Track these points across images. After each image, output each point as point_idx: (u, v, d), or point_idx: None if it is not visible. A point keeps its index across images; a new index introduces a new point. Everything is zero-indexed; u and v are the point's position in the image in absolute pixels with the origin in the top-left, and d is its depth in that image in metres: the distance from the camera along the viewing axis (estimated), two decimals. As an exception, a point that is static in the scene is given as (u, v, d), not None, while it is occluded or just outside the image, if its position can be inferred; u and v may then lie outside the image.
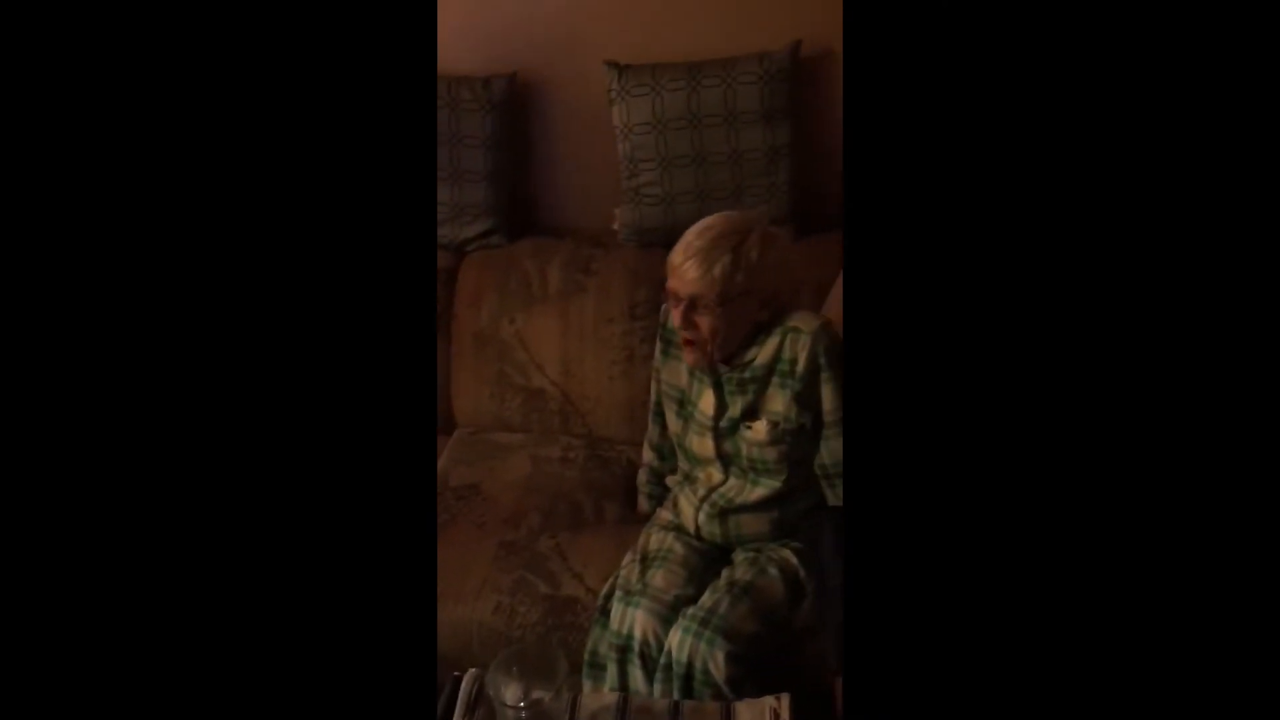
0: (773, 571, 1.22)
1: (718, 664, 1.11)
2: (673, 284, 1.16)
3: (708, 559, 1.29)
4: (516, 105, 1.76)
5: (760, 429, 1.18)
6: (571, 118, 1.79)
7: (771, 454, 1.20)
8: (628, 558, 1.31)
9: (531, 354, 1.75)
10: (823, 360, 1.15)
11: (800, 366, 1.15)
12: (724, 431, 1.23)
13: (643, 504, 1.48)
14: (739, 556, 1.29)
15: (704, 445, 1.26)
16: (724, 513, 1.26)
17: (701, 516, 1.28)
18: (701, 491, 1.28)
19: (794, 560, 1.24)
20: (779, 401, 1.18)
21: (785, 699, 0.90)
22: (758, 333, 1.19)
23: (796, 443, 1.20)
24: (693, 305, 1.14)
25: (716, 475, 1.27)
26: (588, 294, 1.73)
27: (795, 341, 1.16)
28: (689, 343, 1.17)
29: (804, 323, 1.18)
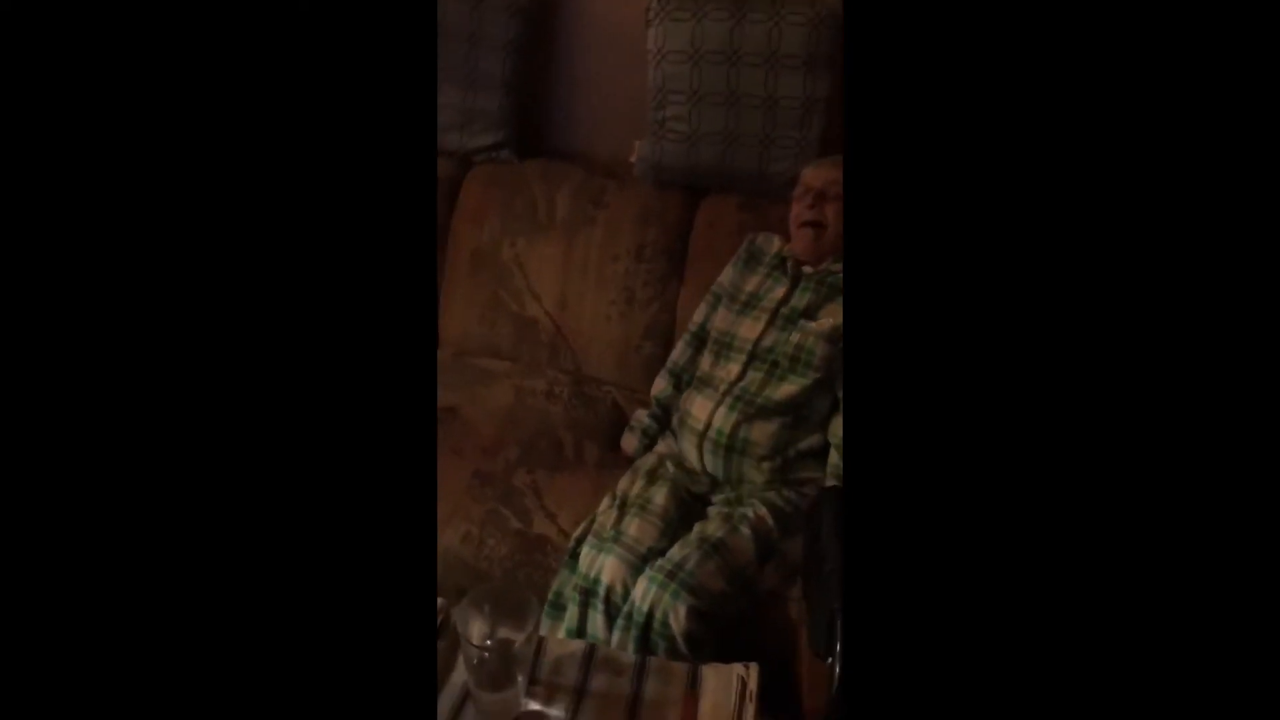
0: (744, 530, 1.21)
1: (679, 617, 1.10)
2: (809, 180, 1.37)
3: (685, 510, 1.27)
4: (546, 9, 1.64)
5: (824, 324, 1.29)
6: (603, 32, 1.67)
7: (821, 348, 1.28)
8: (605, 503, 1.29)
9: (529, 281, 1.67)
10: None
11: None
12: (780, 318, 1.33)
13: (629, 443, 1.46)
14: (714, 510, 1.27)
15: (753, 328, 1.34)
16: (738, 423, 1.28)
17: (717, 418, 1.30)
18: (722, 387, 1.32)
19: (768, 520, 1.22)
20: (842, 313, 1.29)
21: (754, 669, 0.87)
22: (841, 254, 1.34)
23: (840, 354, 1.28)
24: (822, 195, 1.34)
25: (736, 371, 1.32)
26: (595, 227, 1.65)
27: None
28: (811, 226, 1.34)
29: None
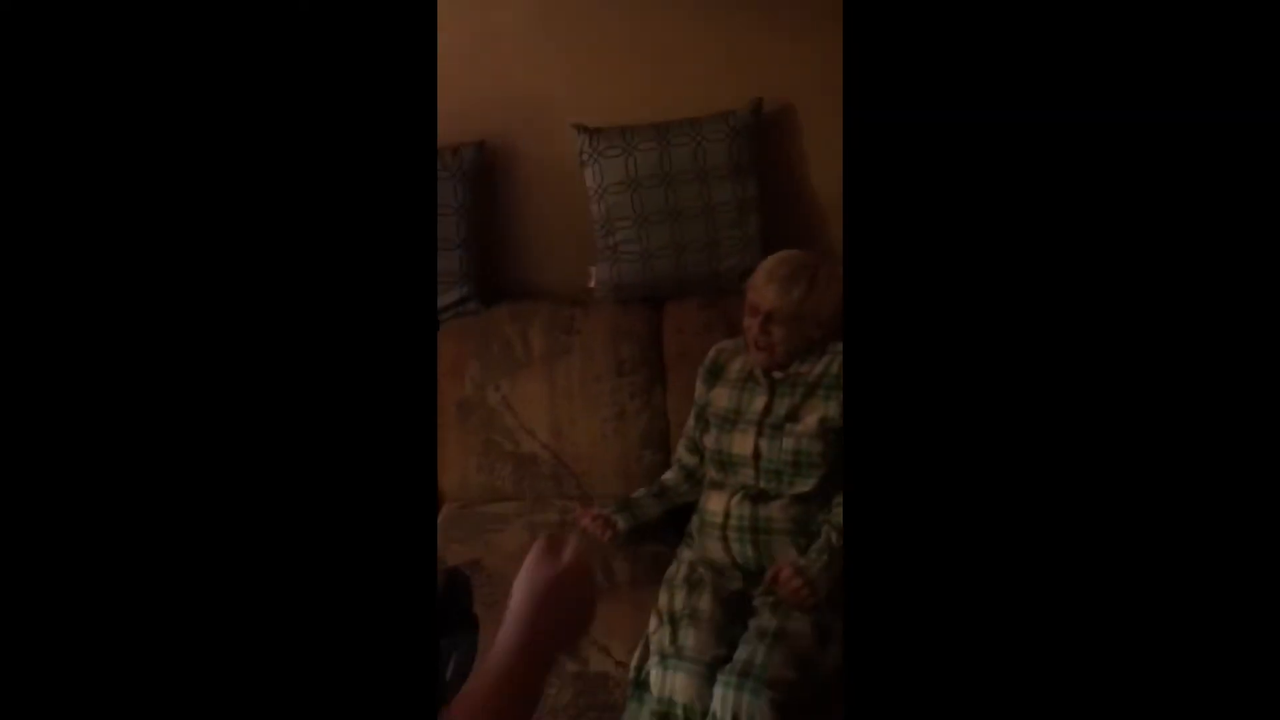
0: (798, 615, 1.23)
1: (764, 713, 1.10)
2: (754, 299, 1.38)
3: (732, 612, 1.29)
4: (485, 172, 1.76)
5: (810, 423, 1.32)
6: (539, 181, 1.80)
7: (816, 447, 1.31)
8: (653, 623, 1.29)
9: (520, 419, 1.72)
10: None
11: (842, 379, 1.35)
12: (768, 429, 1.35)
13: (620, 524, 1.45)
14: (760, 603, 1.29)
15: (744, 443, 1.36)
16: (756, 505, 1.32)
17: (734, 505, 1.33)
18: (734, 486, 1.36)
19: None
20: (825, 407, 1.34)
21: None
22: (809, 350, 1.38)
23: (837, 442, 1.32)
24: (769, 318, 1.35)
25: (747, 476, 1.35)
26: (573, 354, 1.72)
27: (839, 361, 1.37)
28: (761, 349, 1.37)
29: None
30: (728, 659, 1.19)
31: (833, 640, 1.23)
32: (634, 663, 1.26)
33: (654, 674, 1.21)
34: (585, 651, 1.32)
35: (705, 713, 1.15)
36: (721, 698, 1.13)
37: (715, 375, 1.47)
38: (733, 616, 1.28)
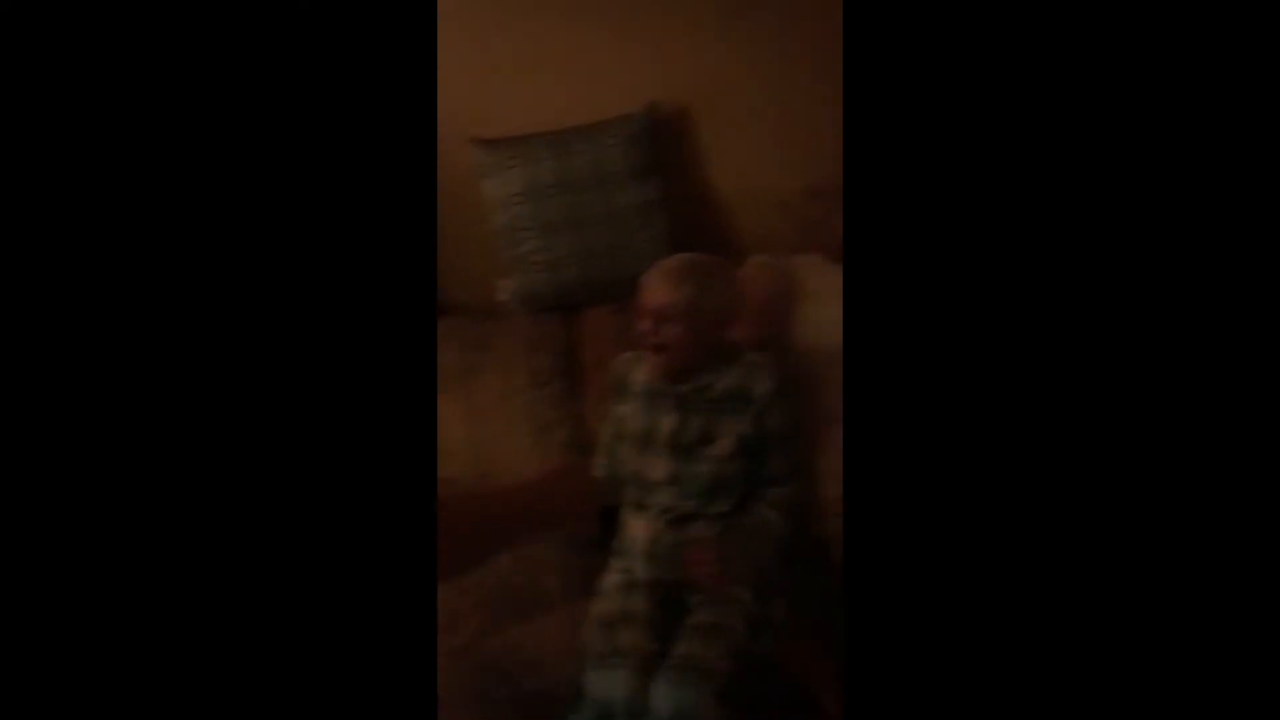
0: (730, 609, 1.23)
1: (707, 707, 1.09)
2: (645, 298, 1.29)
3: (667, 611, 1.27)
4: (381, 190, 1.71)
5: (725, 445, 1.26)
6: (441, 196, 1.76)
7: (733, 468, 1.27)
8: (589, 632, 1.26)
9: (439, 442, 1.66)
10: (772, 385, 1.30)
11: (757, 392, 1.29)
12: (681, 451, 1.29)
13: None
14: (695, 600, 1.28)
15: (659, 467, 1.29)
16: (677, 531, 1.27)
17: (657, 539, 1.29)
18: (655, 510, 1.30)
19: (745, 595, 1.25)
20: (738, 424, 1.28)
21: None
22: (718, 363, 1.31)
23: (758, 454, 1.29)
24: (661, 316, 1.27)
25: (667, 498, 1.30)
26: (486, 371, 1.68)
27: (752, 372, 1.31)
28: (657, 349, 1.29)
29: (760, 357, 1.33)
30: (664, 656, 1.17)
31: (765, 630, 1.23)
32: (570, 673, 1.22)
33: (591, 677, 1.18)
34: (517, 672, 1.28)
35: (644, 711, 1.12)
36: (663, 694, 1.11)
37: (622, 390, 1.39)
38: (668, 615, 1.26)
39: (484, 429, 1.66)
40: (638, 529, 1.32)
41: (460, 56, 1.69)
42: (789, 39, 1.66)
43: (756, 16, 1.65)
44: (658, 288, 1.29)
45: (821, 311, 1.44)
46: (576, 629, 1.29)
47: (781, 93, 1.70)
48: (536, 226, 1.68)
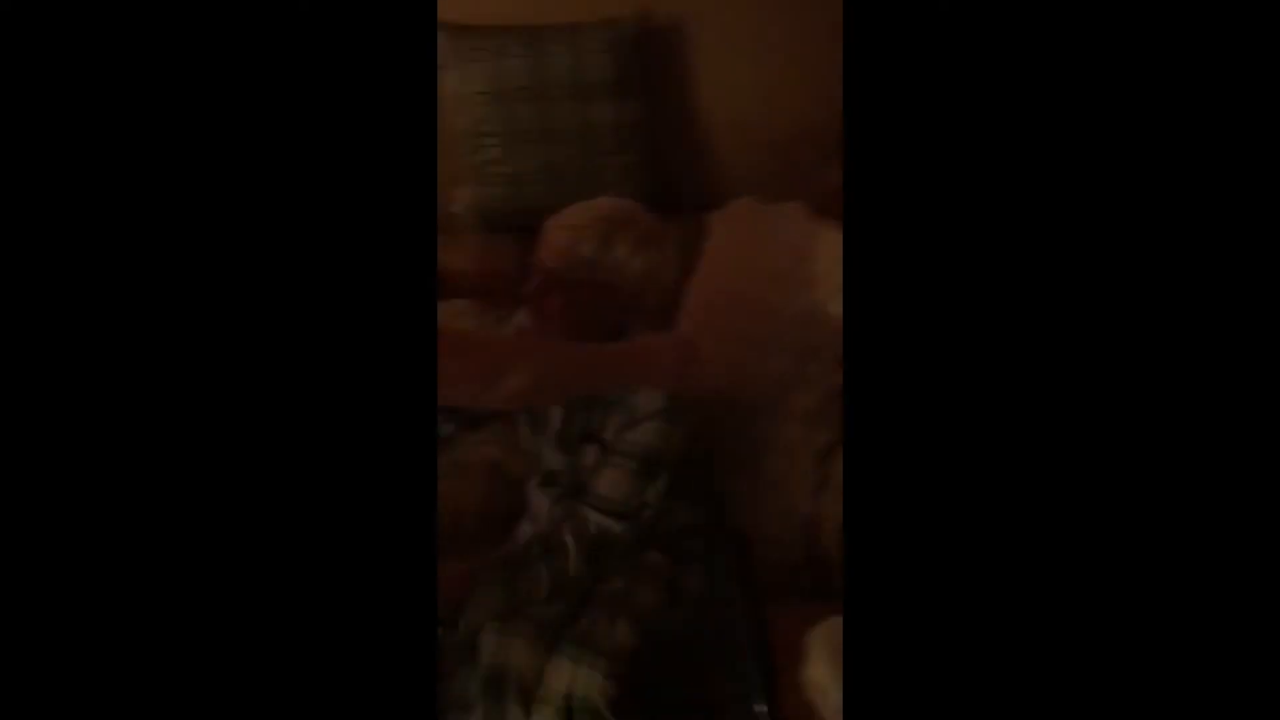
0: (646, 577, 1.14)
1: (600, 689, 1.01)
2: (538, 250, 1.07)
3: (592, 565, 1.18)
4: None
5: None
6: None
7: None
8: (491, 573, 1.17)
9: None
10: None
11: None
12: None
13: None
14: (612, 566, 1.19)
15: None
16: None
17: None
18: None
19: (664, 560, 1.16)
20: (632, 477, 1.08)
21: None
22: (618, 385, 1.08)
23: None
24: (548, 277, 1.06)
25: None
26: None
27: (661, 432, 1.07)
28: (534, 318, 1.09)
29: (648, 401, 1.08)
30: (574, 621, 1.09)
31: (683, 601, 1.15)
32: (462, 622, 1.13)
33: (485, 638, 1.09)
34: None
35: (537, 686, 1.04)
36: (557, 669, 1.03)
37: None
38: (593, 569, 1.17)
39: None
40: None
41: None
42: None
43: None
44: (554, 239, 1.05)
45: (792, 269, 1.31)
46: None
47: (789, 20, 1.52)
48: (501, 133, 1.51)
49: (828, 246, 1.39)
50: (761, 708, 1.02)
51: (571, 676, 1.02)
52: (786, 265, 1.36)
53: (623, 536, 1.07)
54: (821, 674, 1.01)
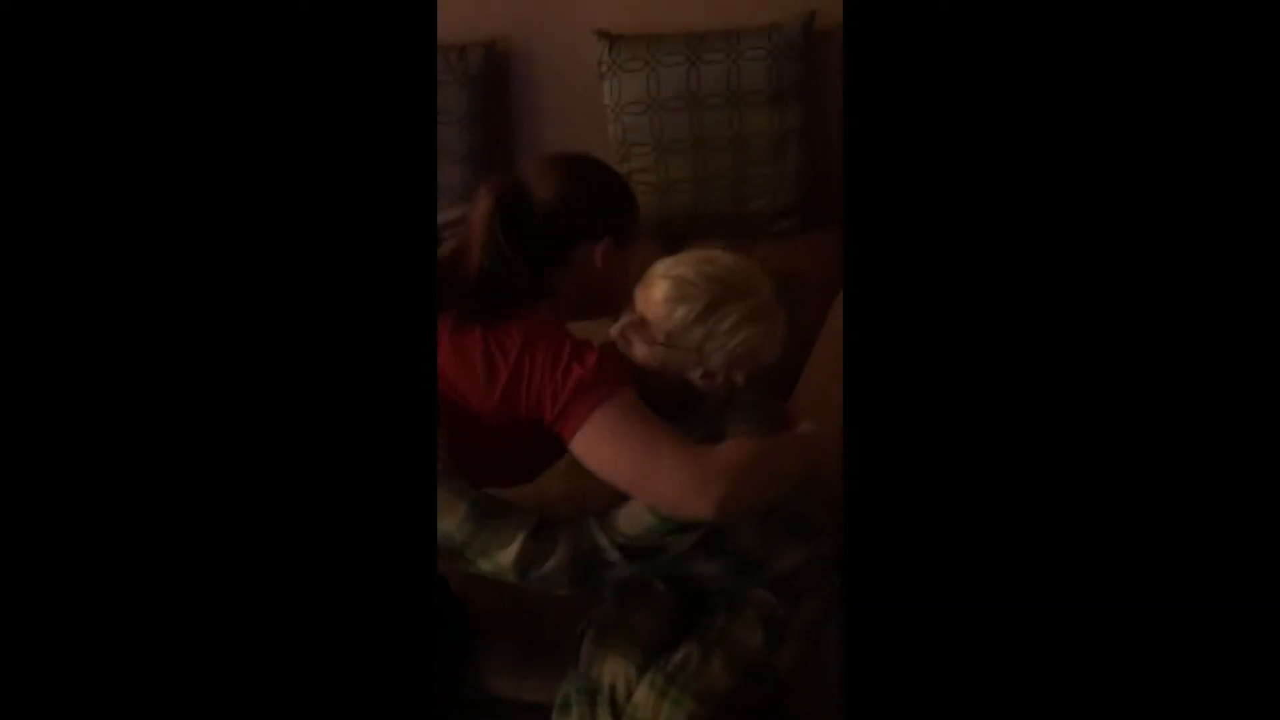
0: (749, 614, 1.11)
1: None
2: (639, 292, 0.99)
3: (690, 603, 1.17)
4: (496, 77, 1.60)
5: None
6: (558, 91, 1.62)
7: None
8: (609, 592, 1.20)
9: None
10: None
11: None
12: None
13: None
14: (718, 600, 1.17)
15: None
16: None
17: None
18: None
19: (771, 598, 1.12)
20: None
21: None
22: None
23: None
24: (639, 324, 0.98)
25: None
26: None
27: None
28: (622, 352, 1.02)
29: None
30: (673, 646, 1.09)
31: (788, 640, 1.10)
32: (580, 627, 1.17)
33: (584, 646, 1.12)
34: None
35: (629, 698, 1.06)
36: (644, 699, 1.03)
37: None
38: (692, 608, 1.16)
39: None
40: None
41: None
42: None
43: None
44: (654, 288, 0.96)
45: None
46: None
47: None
48: (651, 141, 1.51)
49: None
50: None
51: (655, 708, 1.03)
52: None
53: (618, 566, 0.97)
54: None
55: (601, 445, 0.93)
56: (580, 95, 1.58)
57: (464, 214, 1.61)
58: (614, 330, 1.00)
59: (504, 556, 0.93)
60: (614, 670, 1.08)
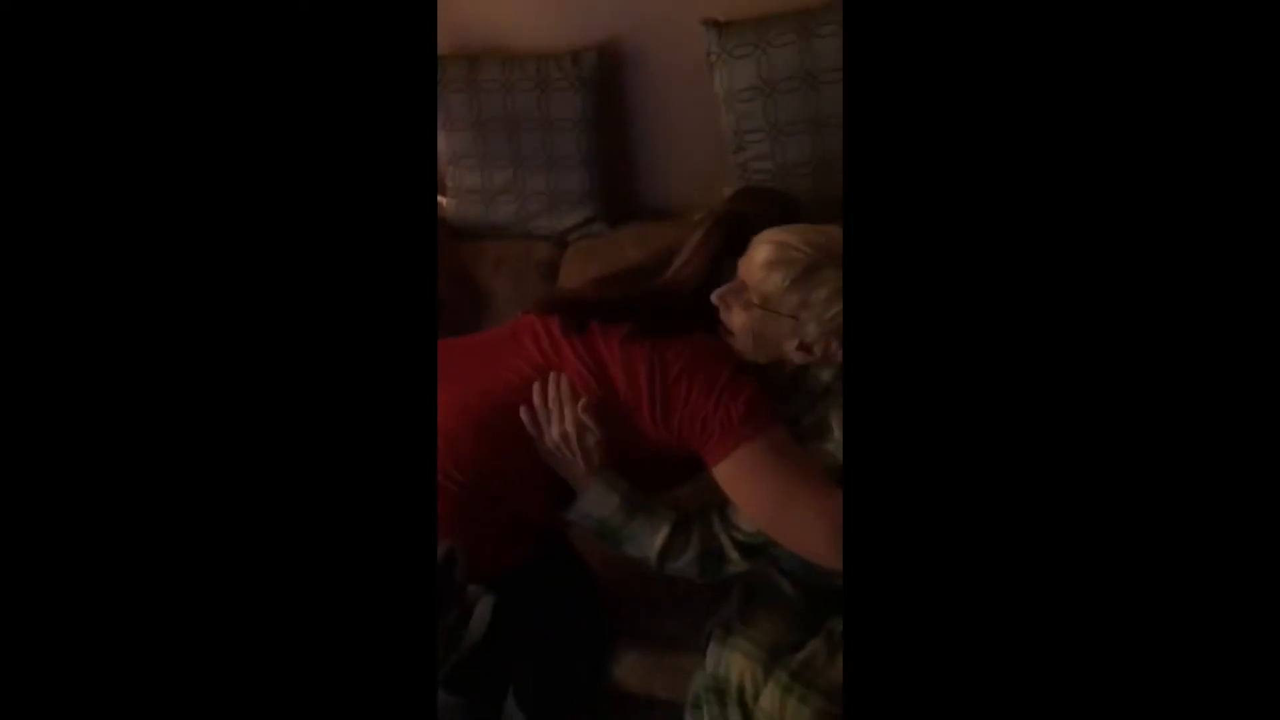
0: None
1: None
2: (743, 259, 0.99)
3: (817, 603, 1.13)
4: (609, 79, 1.62)
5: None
6: (671, 88, 1.61)
7: None
8: (735, 592, 1.19)
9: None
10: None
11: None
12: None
13: None
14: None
15: None
16: None
17: None
18: None
19: None
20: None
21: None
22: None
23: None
24: (738, 289, 0.98)
25: None
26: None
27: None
28: (722, 322, 1.02)
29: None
30: (798, 649, 1.06)
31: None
32: (708, 625, 1.17)
33: (712, 646, 1.12)
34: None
35: (759, 693, 1.04)
36: (770, 697, 1.01)
37: None
38: (816, 606, 1.13)
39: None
40: None
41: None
42: None
43: None
44: (755, 253, 0.97)
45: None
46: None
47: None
48: (765, 127, 1.47)
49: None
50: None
51: (782, 704, 1.00)
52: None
53: (736, 562, 1.01)
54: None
55: (742, 482, 0.96)
56: (691, 88, 1.56)
57: (589, 214, 1.66)
58: (715, 295, 0.99)
59: (650, 546, 1.00)
60: (741, 669, 1.07)
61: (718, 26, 1.46)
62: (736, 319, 0.99)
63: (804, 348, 0.99)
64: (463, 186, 1.70)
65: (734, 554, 1.01)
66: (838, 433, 0.98)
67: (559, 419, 0.98)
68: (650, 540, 1.00)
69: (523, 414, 0.99)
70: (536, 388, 1.00)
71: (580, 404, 0.98)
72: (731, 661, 1.08)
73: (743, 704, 1.06)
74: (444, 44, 1.63)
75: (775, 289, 0.95)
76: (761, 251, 0.97)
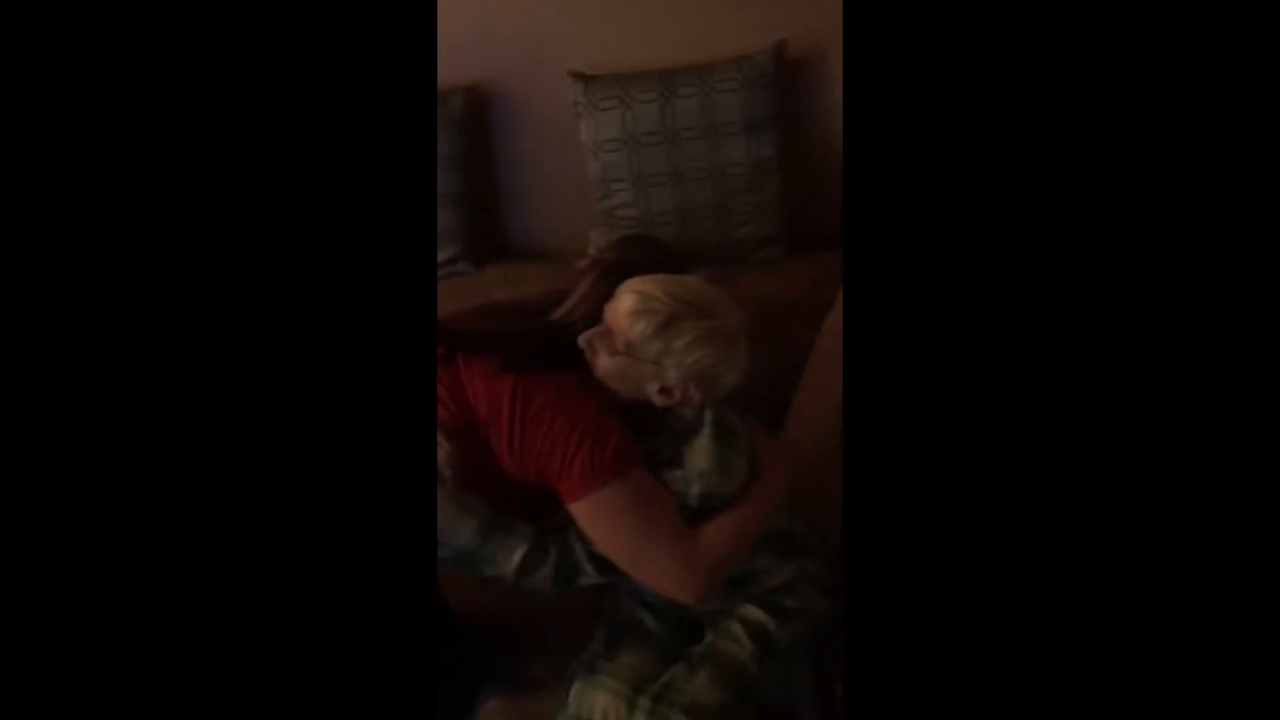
0: (735, 628, 1.09)
1: None
2: (610, 306, 1.03)
3: (680, 633, 1.16)
4: (476, 121, 1.63)
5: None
6: (538, 132, 1.65)
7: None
8: (599, 632, 1.18)
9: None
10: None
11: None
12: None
13: None
14: (707, 621, 1.15)
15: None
16: None
17: None
18: None
19: (759, 613, 1.10)
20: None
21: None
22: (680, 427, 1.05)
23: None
24: (604, 334, 1.01)
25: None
26: (561, 325, 1.60)
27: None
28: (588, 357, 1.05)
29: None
30: (656, 675, 1.07)
31: (777, 655, 1.08)
32: (571, 669, 1.15)
33: (574, 687, 1.11)
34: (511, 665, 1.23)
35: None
36: (633, 721, 1.01)
37: None
38: (681, 639, 1.15)
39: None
40: None
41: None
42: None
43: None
44: (621, 300, 1.00)
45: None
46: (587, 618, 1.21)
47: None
48: (630, 177, 1.53)
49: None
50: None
51: (646, 730, 1.01)
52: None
53: (590, 575, 1.04)
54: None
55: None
56: (559, 135, 1.60)
57: (454, 254, 1.64)
58: (581, 339, 1.03)
59: (507, 565, 1.00)
60: (605, 706, 1.06)
61: (584, 79, 1.51)
62: (603, 363, 1.02)
63: (665, 391, 1.03)
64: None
65: (589, 566, 1.03)
66: (692, 468, 1.02)
67: None
68: (508, 559, 1.00)
69: None
70: None
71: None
72: (595, 700, 1.07)
73: (608, 743, 1.05)
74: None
75: (639, 337, 0.99)
76: (626, 301, 1.01)
